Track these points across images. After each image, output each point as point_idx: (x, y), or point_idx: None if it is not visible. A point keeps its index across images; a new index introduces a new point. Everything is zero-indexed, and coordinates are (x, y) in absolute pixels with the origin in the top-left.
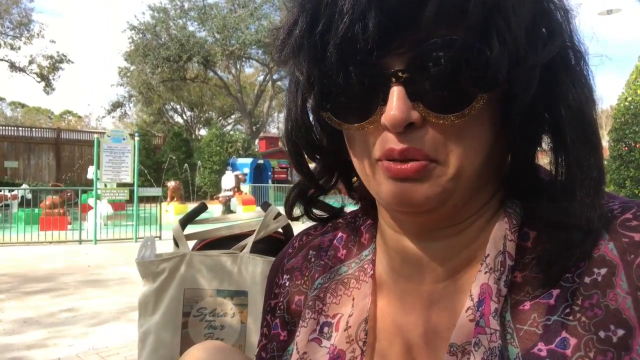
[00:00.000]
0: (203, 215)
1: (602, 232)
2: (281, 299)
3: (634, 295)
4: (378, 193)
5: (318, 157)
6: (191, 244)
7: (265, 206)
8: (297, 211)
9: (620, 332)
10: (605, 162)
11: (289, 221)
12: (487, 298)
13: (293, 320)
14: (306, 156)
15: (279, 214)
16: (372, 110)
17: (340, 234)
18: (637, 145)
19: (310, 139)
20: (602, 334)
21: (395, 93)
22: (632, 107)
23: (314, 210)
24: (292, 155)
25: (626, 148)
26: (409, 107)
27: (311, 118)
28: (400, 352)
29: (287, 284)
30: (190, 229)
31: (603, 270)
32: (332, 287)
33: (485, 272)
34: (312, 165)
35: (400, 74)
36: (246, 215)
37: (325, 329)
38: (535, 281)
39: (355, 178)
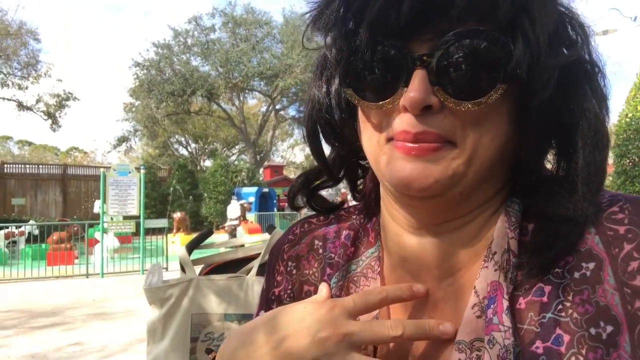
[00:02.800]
0: (209, 240)
1: (589, 225)
2: (288, 287)
3: (620, 291)
4: (385, 174)
5: (333, 141)
6: (198, 268)
7: (270, 229)
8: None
9: (609, 328)
10: (610, 178)
11: None
12: (499, 296)
13: None
14: (323, 139)
15: None
16: (393, 91)
17: (347, 231)
18: None
19: (329, 120)
20: (592, 330)
21: (418, 76)
22: (633, 123)
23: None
24: (310, 138)
25: (630, 163)
26: (429, 90)
27: (332, 103)
28: (410, 349)
29: (293, 272)
30: (197, 254)
31: (591, 265)
32: (345, 285)
33: (495, 270)
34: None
35: (425, 57)
36: (252, 239)
37: None
38: (526, 275)
39: (361, 180)
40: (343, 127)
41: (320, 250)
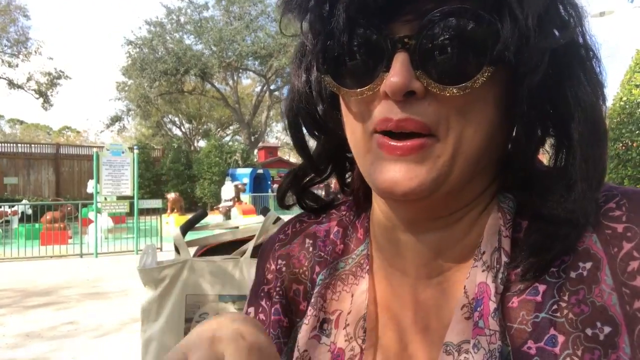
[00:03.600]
0: (204, 222)
1: (587, 223)
2: (278, 284)
3: (619, 291)
4: (369, 175)
5: (316, 133)
6: (192, 250)
7: (264, 211)
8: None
9: (607, 329)
10: None
11: None
12: (486, 298)
13: (290, 307)
14: (305, 131)
15: (278, 219)
16: (374, 77)
17: (336, 228)
18: (634, 144)
19: (310, 109)
20: (589, 331)
21: (399, 60)
22: (627, 106)
23: (306, 200)
24: (292, 129)
25: (623, 147)
26: (411, 74)
27: (313, 93)
28: (398, 349)
29: (283, 269)
30: (191, 235)
31: (588, 265)
32: (332, 283)
33: (483, 270)
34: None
35: (406, 40)
36: (246, 221)
37: (325, 326)
38: (521, 275)
39: (349, 173)
40: (325, 118)
41: (311, 249)
